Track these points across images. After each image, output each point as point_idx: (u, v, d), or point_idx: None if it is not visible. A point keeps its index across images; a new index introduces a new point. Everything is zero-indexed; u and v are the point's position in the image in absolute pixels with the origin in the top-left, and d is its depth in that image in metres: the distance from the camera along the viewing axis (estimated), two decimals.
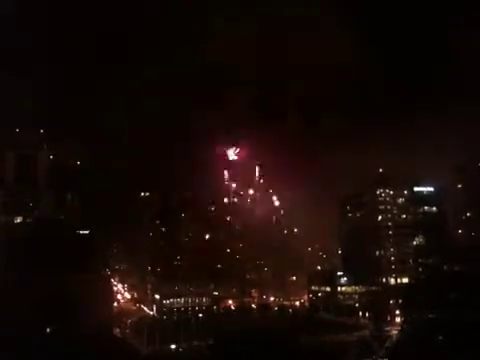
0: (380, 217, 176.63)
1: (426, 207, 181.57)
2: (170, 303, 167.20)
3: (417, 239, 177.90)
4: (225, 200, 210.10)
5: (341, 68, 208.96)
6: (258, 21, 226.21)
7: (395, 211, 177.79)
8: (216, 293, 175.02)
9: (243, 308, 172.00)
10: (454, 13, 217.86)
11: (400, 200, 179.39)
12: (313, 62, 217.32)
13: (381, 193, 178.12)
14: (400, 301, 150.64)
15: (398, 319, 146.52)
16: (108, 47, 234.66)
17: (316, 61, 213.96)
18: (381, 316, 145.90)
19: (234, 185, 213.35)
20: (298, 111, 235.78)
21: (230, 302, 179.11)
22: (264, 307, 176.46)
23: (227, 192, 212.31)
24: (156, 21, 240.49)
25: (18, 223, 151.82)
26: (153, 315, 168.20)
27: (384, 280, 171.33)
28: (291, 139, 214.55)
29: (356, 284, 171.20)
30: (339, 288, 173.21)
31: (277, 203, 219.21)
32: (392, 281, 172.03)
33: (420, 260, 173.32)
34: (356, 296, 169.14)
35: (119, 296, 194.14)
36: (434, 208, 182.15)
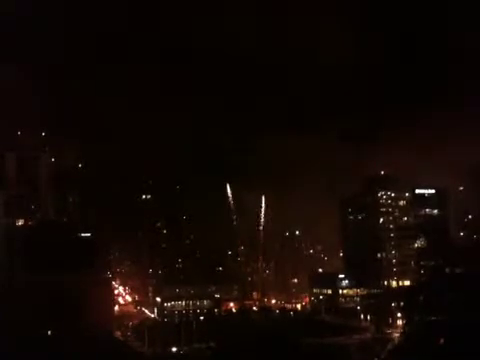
0: (382, 219, 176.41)
1: (428, 209, 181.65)
2: (171, 306, 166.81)
3: (419, 241, 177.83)
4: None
5: (341, 67, 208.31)
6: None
7: (397, 213, 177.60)
8: (217, 295, 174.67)
9: (244, 310, 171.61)
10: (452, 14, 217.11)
11: (402, 202, 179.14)
12: (312, 61, 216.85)
13: (383, 195, 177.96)
14: (402, 303, 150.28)
15: (400, 322, 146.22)
16: (108, 47, 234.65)
17: (315, 60, 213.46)
18: (383, 318, 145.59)
19: None
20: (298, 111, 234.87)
21: (231, 304, 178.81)
22: (265, 309, 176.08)
23: None
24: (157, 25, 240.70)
25: (20, 226, 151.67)
26: (154, 318, 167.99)
27: (386, 282, 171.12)
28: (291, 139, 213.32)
29: (358, 286, 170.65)
30: (340, 290, 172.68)
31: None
32: (394, 283, 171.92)
33: (422, 262, 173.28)
34: (358, 298, 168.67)
35: (120, 299, 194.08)
36: (436, 210, 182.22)
